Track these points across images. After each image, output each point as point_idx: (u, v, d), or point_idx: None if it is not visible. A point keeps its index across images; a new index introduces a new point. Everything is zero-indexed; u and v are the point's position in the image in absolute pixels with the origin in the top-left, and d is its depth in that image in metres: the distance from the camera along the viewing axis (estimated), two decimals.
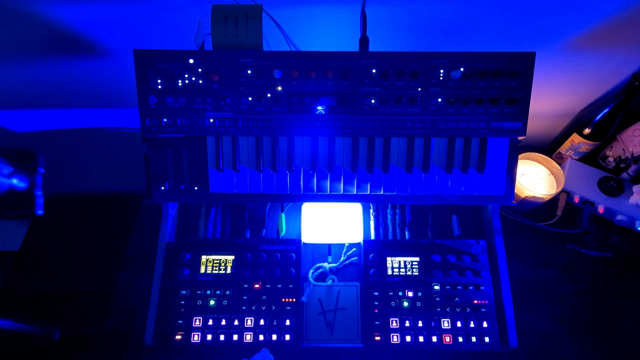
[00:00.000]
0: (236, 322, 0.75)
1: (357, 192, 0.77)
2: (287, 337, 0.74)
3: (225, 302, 0.76)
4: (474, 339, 0.74)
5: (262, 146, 0.75)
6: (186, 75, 0.70)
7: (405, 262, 0.79)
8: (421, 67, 0.70)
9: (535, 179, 0.95)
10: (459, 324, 0.75)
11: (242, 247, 0.80)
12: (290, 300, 0.77)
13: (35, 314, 1.11)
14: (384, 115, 0.73)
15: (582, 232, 0.95)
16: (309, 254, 0.85)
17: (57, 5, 0.72)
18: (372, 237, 0.86)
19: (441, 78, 0.71)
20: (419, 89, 0.71)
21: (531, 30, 0.77)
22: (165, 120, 0.72)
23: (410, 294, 0.77)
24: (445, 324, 0.75)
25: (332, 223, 0.85)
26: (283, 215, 0.89)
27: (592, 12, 0.73)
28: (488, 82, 0.71)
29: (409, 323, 0.75)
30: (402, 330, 0.75)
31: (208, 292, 0.77)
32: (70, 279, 1.15)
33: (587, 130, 0.93)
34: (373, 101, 0.72)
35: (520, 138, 0.75)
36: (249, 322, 0.75)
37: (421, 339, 0.74)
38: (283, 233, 0.87)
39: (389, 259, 0.80)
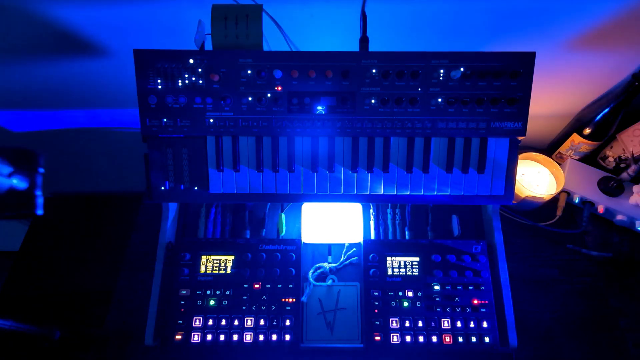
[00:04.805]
0: (236, 322, 0.75)
1: (357, 192, 0.77)
2: (287, 337, 0.74)
3: (225, 302, 0.76)
4: (474, 339, 0.74)
5: (262, 146, 0.75)
6: (186, 75, 0.70)
7: (405, 262, 0.79)
8: (421, 67, 0.70)
9: (535, 179, 0.95)
10: (459, 324, 0.75)
11: (242, 247, 0.80)
12: (290, 300, 0.77)
13: (35, 314, 1.11)
14: (384, 115, 0.73)
15: (582, 232, 0.95)
16: (309, 254, 0.85)
17: (57, 5, 0.72)
18: (372, 237, 0.86)
19: (441, 78, 0.71)
20: (419, 89, 0.71)
21: (531, 30, 0.77)
22: (165, 120, 0.72)
23: (410, 294, 0.77)
24: (445, 324, 0.75)
25: (332, 223, 0.85)
26: (283, 215, 0.89)
27: (592, 12, 0.73)
28: (488, 82, 0.71)
29: (409, 323, 0.75)
30: (402, 330, 0.75)
31: (208, 292, 0.77)
32: (70, 279, 1.15)
33: (587, 130, 0.93)
34: (373, 101, 0.72)
35: (520, 138, 0.75)
36: (249, 322, 0.75)
37: (421, 339, 0.74)
38: (283, 233, 0.87)
39: (389, 259, 0.80)
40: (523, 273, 0.90)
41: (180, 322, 0.75)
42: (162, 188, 0.76)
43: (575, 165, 0.99)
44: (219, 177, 0.76)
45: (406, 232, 0.87)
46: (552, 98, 0.94)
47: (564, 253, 0.93)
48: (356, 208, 0.87)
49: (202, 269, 0.79)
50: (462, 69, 0.70)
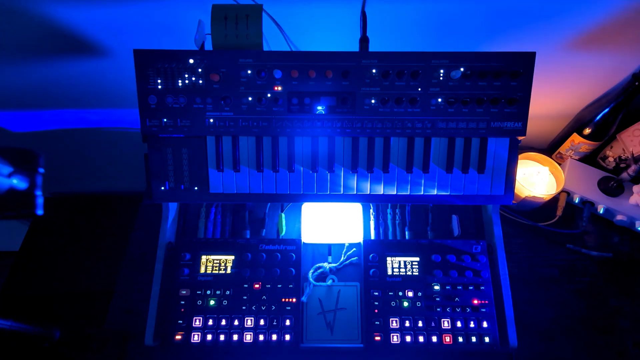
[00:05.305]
0: (236, 322, 0.75)
1: (357, 192, 0.77)
2: (287, 337, 0.74)
3: (225, 302, 0.76)
4: (474, 339, 0.74)
5: (262, 146, 0.75)
6: (186, 75, 0.70)
7: (405, 262, 0.79)
8: (421, 67, 0.70)
9: (535, 179, 0.95)
10: (459, 324, 0.75)
11: (242, 247, 0.80)
12: (290, 300, 0.77)
13: (35, 314, 1.11)
14: (384, 115, 0.73)
15: (582, 232, 0.95)
16: (309, 254, 0.85)
17: (57, 5, 0.72)
18: (372, 237, 0.86)
19: (441, 78, 0.71)
20: (419, 89, 0.71)
21: (531, 30, 0.77)
22: (165, 120, 0.72)
23: (410, 294, 0.77)
24: (445, 324, 0.75)
25: (332, 223, 0.85)
26: (283, 215, 0.89)
27: (592, 12, 0.73)
28: (488, 82, 0.71)
29: (409, 323, 0.75)
30: (402, 330, 0.75)
31: (208, 292, 0.77)
32: (70, 279, 1.15)
33: (587, 130, 0.93)
34: (373, 101, 0.72)
35: (520, 138, 0.75)
36: (249, 322, 0.75)
37: (421, 339, 0.74)
38: (283, 233, 0.87)
39: (389, 259, 0.80)
40: (523, 273, 0.90)
41: (180, 322, 0.75)
42: (162, 188, 0.76)
43: (575, 165, 0.99)
44: (219, 177, 0.76)
45: (406, 232, 0.87)
46: (552, 98, 0.94)
47: (564, 253, 0.93)
48: (356, 208, 0.87)
49: (202, 269, 0.79)
50: (462, 69, 0.70)
